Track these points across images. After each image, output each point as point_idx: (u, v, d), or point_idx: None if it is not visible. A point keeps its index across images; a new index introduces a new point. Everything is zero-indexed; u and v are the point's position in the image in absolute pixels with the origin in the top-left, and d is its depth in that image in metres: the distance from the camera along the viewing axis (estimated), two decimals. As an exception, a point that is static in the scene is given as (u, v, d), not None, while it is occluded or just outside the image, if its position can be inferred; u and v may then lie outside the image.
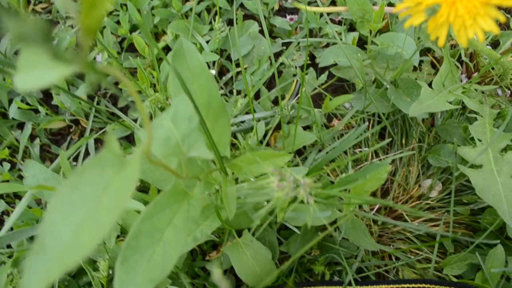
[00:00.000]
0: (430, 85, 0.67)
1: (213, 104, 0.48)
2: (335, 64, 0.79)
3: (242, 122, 0.80)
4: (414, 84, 0.70)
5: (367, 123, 0.54)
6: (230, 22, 0.91)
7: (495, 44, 0.87)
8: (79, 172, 0.27)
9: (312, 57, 0.88)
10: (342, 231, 0.61)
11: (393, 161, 0.79)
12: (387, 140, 0.56)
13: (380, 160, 0.73)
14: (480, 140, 0.65)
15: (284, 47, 0.88)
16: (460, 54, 0.83)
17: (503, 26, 0.93)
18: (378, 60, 0.76)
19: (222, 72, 0.89)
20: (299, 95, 0.79)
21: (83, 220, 0.25)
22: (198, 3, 0.88)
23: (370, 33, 0.69)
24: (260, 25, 0.90)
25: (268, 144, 0.82)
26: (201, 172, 0.53)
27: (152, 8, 0.86)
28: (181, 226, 0.40)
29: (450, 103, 0.64)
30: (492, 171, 0.62)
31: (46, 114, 0.82)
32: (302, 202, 0.60)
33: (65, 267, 0.21)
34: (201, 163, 0.55)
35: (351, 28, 0.90)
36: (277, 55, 0.87)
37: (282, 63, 0.89)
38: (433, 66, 0.84)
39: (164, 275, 0.37)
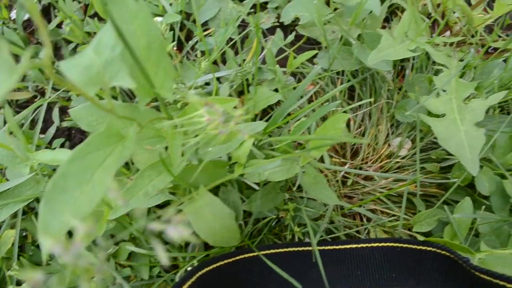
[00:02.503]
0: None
1: (153, 46, 0.46)
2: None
3: (208, 84, 0.78)
4: (379, 37, 0.68)
5: (318, 67, 0.52)
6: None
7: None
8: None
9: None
10: (300, 190, 0.59)
11: (362, 121, 0.77)
12: (349, 83, 0.54)
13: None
14: (444, 91, 0.63)
15: (252, 10, 0.86)
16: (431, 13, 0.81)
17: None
18: (344, 16, 0.73)
19: (189, 36, 0.87)
20: (263, 55, 0.77)
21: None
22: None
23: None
24: (227, -12, 0.88)
25: (235, 107, 0.80)
26: (145, 119, 0.51)
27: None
28: (112, 166, 0.38)
29: (413, 52, 0.62)
30: (455, 120, 0.60)
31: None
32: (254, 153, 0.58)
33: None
34: (146, 111, 0.53)
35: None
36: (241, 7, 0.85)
37: (249, 27, 0.87)
38: (404, 24, 0.82)
39: (88, 211, 0.35)
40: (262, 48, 0.83)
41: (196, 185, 0.63)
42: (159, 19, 0.68)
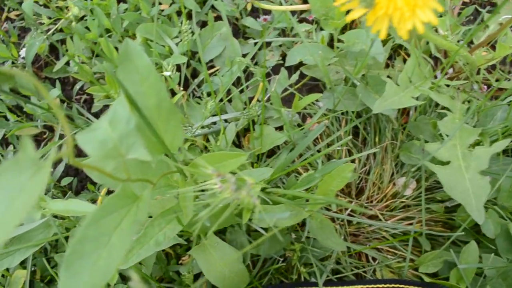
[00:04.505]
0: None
1: (163, 105, 0.48)
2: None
3: (214, 123, 0.79)
4: (383, 81, 0.69)
5: (325, 121, 0.53)
6: (203, 24, 0.91)
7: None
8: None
9: (285, 57, 0.88)
10: (307, 232, 0.60)
11: (367, 159, 0.78)
12: (348, 138, 0.55)
13: (345, 159, 0.72)
14: (448, 136, 0.64)
15: (255, 47, 0.88)
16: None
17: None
18: (348, 57, 0.75)
19: (195, 74, 0.88)
20: (268, 95, 0.78)
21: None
22: (170, 5, 0.87)
23: (336, 30, 0.68)
24: (231, 26, 0.90)
25: (241, 145, 0.81)
26: (157, 174, 0.52)
27: (124, 11, 0.86)
28: (128, 229, 0.39)
29: (417, 98, 0.63)
30: (460, 167, 0.61)
31: (17, 121, 0.82)
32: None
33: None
34: (158, 165, 0.54)
35: (325, 26, 0.89)
36: (243, 57, 0.86)
37: (255, 63, 0.88)
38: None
39: (107, 279, 0.36)
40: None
41: (203, 231, 0.64)
42: (167, 73, 0.69)
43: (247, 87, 0.82)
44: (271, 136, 0.74)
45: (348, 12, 0.44)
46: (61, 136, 0.82)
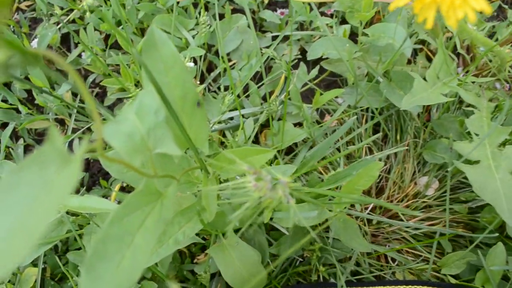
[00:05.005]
0: (425, 78, 0.64)
1: (188, 97, 0.45)
2: (326, 58, 0.76)
3: (231, 119, 0.77)
4: (407, 77, 0.67)
5: (355, 117, 0.51)
6: (220, 17, 0.88)
7: (490, 36, 0.84)
8: (17, 171, 0.24)
9: (303, 51, 0.85)
10: (332, 232, 0.58)
11: (388, 158, 0.76)
12: (377, 135, 0.53)
13: (373, 157, 0.70)
14: (477, 135, 0.62)
15: (274, 41, 0.85)
16: (456, 47, 0.80)
17: (501, 18, 0.90)
18: (370, 53, 0.73)
19: (210, 68, 0.86)
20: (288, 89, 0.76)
21: (16, 224, 0.22)
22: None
23: (361, 24, 0.66)
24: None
25: (258, 142, 0.79)
26: (179, 170, 0.50)
27: (138, 2, 0.84)
28: (153, 228, 0.37)
29: (445, 95, 0.61)
30: (490, 167, 0.58)
31: (28, 113, 0.79)
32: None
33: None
34: (180, 161, 0.52)
35: (344, 21, 0.87)
36: (267, 49, 0.84)
37: (272, 58, 0.86)
38: (428, 59, 0.81)
39: (132, 282, 0.34)
40: (285, 81, 0.82)
41: (222, 230, 0.62)
42: (190, 64, 0.67)
43: (266, 75, 0.79)
44: (290, 132, 0.72)
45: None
46: (74, 130, 0.80)
